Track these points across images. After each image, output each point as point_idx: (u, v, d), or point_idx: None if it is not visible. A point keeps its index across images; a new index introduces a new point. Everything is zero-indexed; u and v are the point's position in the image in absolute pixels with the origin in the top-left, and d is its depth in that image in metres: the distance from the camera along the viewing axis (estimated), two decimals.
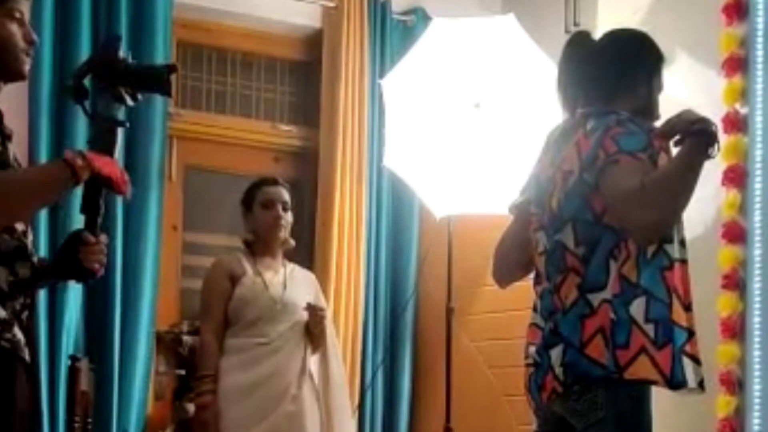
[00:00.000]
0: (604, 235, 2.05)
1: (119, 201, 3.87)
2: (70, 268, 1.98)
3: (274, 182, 3.42)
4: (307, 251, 4.35)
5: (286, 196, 3.35)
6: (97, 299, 3.84)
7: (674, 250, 2.05)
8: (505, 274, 2.33)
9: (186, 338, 4.27)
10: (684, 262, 2.06)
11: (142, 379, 3.90)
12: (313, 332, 3.24)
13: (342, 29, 4.31)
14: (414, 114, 3.81)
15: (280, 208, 3.30)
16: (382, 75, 4.19)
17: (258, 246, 3.35)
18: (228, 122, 4.44)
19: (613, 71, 2.17)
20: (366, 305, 4.31)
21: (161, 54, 4.00)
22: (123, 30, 3.92)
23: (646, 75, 2.22)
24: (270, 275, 3.29)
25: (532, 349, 2.14)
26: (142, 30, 3.98)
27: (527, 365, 2.16)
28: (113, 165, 1.92)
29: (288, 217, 3.33)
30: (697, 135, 1.99)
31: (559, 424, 2.09)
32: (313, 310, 3.22)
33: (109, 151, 1.93)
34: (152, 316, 3.95)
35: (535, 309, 2.18)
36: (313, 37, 4.46)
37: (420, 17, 4.42)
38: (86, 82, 1.98)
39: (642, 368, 1.98)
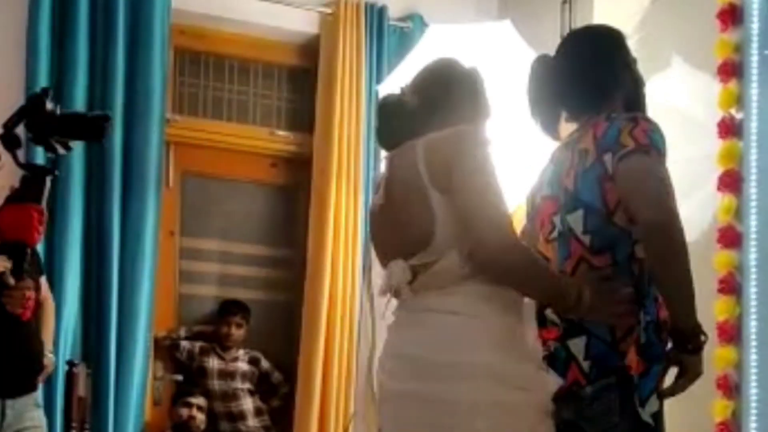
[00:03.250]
0: (621, 239, 2.01)
1: (116, 206, 3.90)
2: None
3: None
4: (300, 258, 4.36)
5: None
6: (94, 304, 3.84)
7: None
8: None
9: (183, 343, 4.27)
10: None
11: (139, 385, 3.90)
12: None
13: (339, 35, 4.31)
14: None
15: None
16: (379, 81, 4.19)
17: None
18: (225, 128, 4.44)
19: (596, 68, 2.14)
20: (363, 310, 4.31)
21: (159, 60, 4.01)
22: (120, 36, 3.94)
23: (625, 64, 2.20)
24: None
25: (552, 344, 2.10)
26: (139, 36, 3.99)
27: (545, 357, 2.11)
28: (22, 226, 1.98)
29: None
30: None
31: (570, 430, 2.06)
32: None
33: (37, 199, 2.00)
34: (149, 322, 3.95)
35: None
36: (310, 44, 4.47)
37: (417, 23, 4.43)
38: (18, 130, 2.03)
39: None
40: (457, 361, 1.89)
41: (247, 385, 4.26)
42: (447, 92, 2.12)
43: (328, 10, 4.38)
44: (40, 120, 2.02)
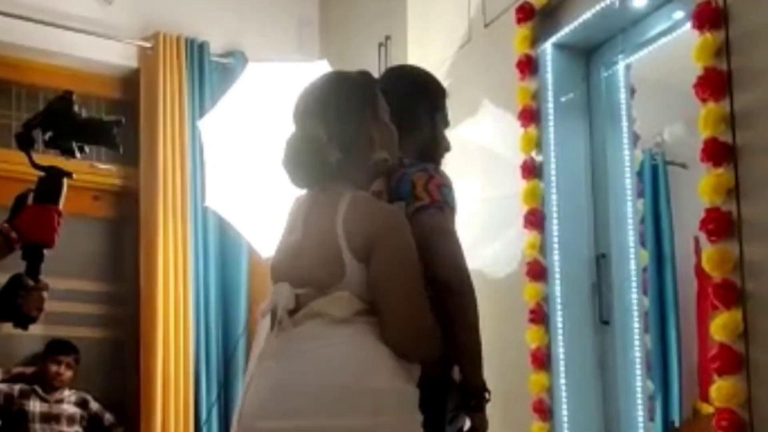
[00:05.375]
0: None
1: None
2: (8, 312, 1.99)
3: None
4: (132, 291, 4.30)
5: None
6: None
7: None
8: None
9: (1, 386, 4.10)
10: None
11: None
12: None
13: (159, 69, 4.27)
14: (233, 155, 3.83)
15: None
16: (203, 115, 4.18)
17: None
18: (42, 161, 4.30)
19: (396, 109, 2.12)
20: (197, 345, 4.27)
21: None
22: None
23: (428, 110, 2.28)
24: None
25: None
26: None
27: None
28: (43, 227, 1.98)
29: None
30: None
31: None
32: None
33: (54, 201, 2.02)
34: None
35: None
36: (131, 77, 4.40)
37: (239, 60, 4.44)
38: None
39: None
40: (349, 389, 1.84)
41: (75, 428, 4.14)
42: (359, 126, 2.04)
43: (148, 44, 4.33)
44: (66, 123, 2.00)
